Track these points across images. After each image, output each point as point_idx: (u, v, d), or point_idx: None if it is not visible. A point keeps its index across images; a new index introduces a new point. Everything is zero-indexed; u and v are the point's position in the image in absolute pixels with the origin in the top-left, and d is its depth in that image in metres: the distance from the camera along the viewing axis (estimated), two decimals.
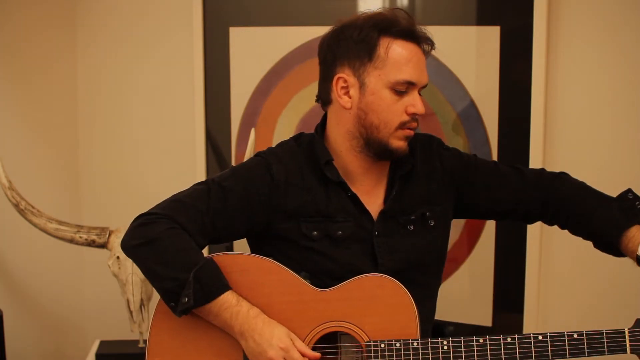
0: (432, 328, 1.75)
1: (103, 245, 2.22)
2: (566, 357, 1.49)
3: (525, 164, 2.26)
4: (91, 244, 2.22)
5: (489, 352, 1.50)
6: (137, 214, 1.59)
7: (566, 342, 1.48)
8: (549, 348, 1.49)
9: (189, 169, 2.61)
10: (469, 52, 2.32)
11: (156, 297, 1.58)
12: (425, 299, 1.68)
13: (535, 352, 1.49)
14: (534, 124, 2.25)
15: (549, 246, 2.31)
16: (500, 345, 1.50)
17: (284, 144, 1.72)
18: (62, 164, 2.68)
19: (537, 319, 2.30)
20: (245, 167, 1.66)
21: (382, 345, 1.51)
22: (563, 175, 1.75)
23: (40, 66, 2.59)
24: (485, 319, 2.36)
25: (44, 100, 2.62)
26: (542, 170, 1.77)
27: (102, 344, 2.42)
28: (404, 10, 1.62)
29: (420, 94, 1.61)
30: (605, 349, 1.48)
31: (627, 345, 1.48)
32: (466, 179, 1.72)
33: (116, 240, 2.20)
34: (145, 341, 1.60)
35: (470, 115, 2.34)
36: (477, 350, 1.50)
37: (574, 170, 2.27)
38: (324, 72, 1.66)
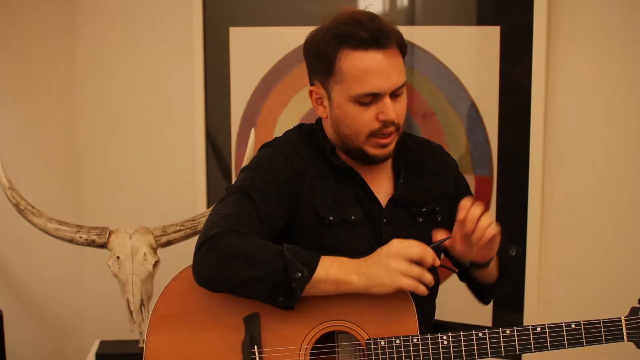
0: (433, 327, 1.75)
1: (103, 245, 2.22)
2: (565, 348, 1.50)
3: (525, 163, 2.26)
4: (91, 244, 2.22)
5: (488, 345, 1.50)
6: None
7: (564, 333, 1.49)
8: (548, 339, 1.49)
9: (189, 169, 2.61)
10: (469, 52, 2.32)
11: (156, 297, 1.58)
12: (429, 295, 1.69)
13: (534, 343, 1.50)
14: (534, 123, 2.25)
15: (548, 246, 2.31)
16: (500, 338, 1.50)
17: (291, 132, 1.72)
18: (62, 164, 2.69)
19: (537, 318, 2.30)
20: (265, 162, 1.63)
21: (382, 343, 1.51)
22: None
23: (40, 66, 2.59)
24: (485, 319, 2.36)
25: (44, 100, 2.62)
26: None
27: (102, 344, 2.42)
28: (368, 12, 1.56)
29: (399, 94, 1.56)
30: (603, 337, 1.49)
31: (624, 333, 1.50)
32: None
33: (116, 240, 2.20)
34: (145, 341, 1.59)
35: (470, 115, 2.34)
36: (476, 343, 1.50)
37: (574, 170, 2.28)
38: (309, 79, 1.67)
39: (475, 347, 1.50)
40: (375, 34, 1.51)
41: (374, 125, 1.56)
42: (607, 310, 2.28)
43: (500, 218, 2.35)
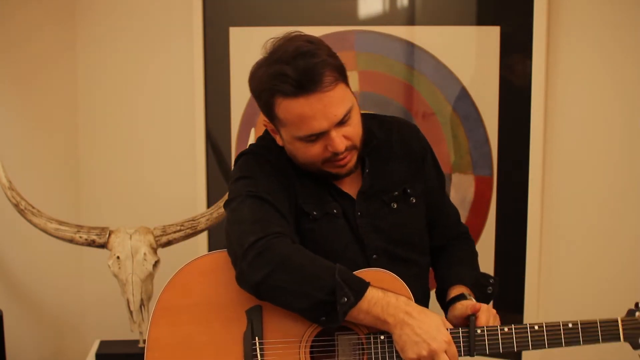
0: None
1: (103, 245, 2.22)
2: (562, 346, 1.51)
3: (525, 163, 2.27)
4: (91, 244, 2.22)
5: (486, 342, 1.52)
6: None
7: (562, 332, 1.51)
8: (545, 337, 1.51)
9: (189, 169, 2.60)
10: (469, 52, 2.32)
11: (156, 297, 1.58)
12: (419, 277, 1.70)
13: (532, 341, 1.51)
14: (534, 124, 2.25)
15: (548, 247, 2.31)
16: (498, 335, 1.52)
17: (263, 137, 1.72)
18: (62, 164, 2.68)
19: (537, 319, 2.30)
20: (255, 167, 1.64)
21: (382, 337, 1.52)
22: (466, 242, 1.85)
23: (41, 66, 2.59)
24: None
25: (43, 100, 2.62)
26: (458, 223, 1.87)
27: (102, 344, 2.42)
28: (296, 50, 1.49)
29: (346, 120, 1.54)
30: (600, 337, 1.52)
31: (621, 334, 1.52)
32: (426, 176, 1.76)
33: (116, 240, 2.20)
34: (145, 341, 1.60)
35: (470, 115, 2.34)
36: (475, 341, 1.51)
37: (574, 170, 2.28)
38: None
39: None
40: (299, 81, 1.48)
41: (325, 154, 1.57)
42: (607, 311, 2.28)
43: (500, 218, 2.35)
